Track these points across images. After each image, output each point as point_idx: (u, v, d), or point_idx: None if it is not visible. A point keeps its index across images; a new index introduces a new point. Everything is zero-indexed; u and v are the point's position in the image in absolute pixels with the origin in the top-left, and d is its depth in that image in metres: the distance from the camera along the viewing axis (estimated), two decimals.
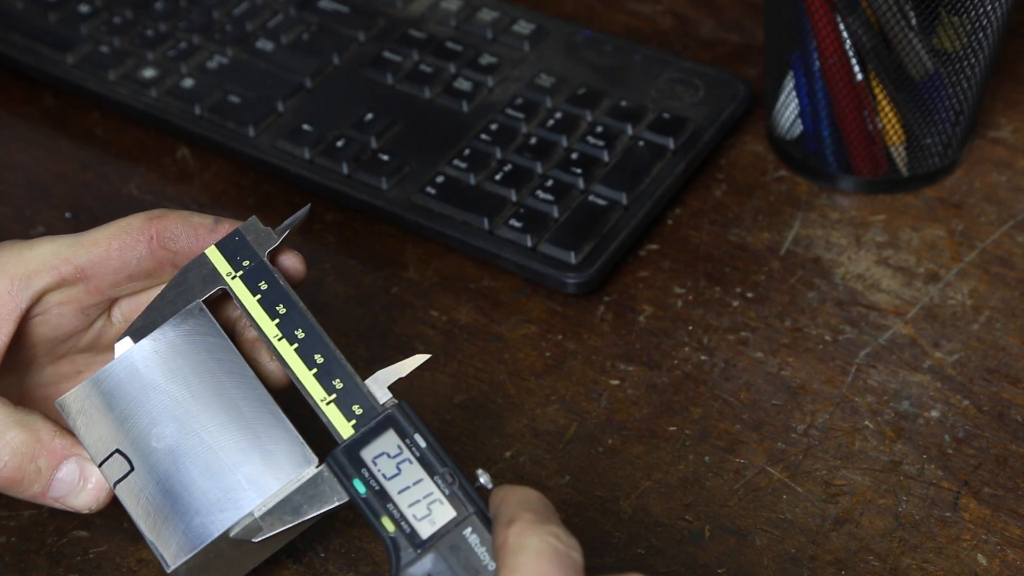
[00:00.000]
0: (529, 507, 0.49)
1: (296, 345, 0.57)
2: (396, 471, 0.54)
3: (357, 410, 0.55)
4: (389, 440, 0.54)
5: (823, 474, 0.64)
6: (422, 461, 0.54)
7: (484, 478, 0.53)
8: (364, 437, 0.54)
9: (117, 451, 0.57)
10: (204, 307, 0.59)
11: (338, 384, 0.56)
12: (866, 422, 0.65)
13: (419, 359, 0.57)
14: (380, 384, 0.56)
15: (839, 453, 0.64)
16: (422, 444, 0.54)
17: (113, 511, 0.63)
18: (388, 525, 0.53)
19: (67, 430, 0.58)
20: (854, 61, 0.71)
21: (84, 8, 0.86)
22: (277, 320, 0.57)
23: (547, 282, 0.71)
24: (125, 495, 0.56)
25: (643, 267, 0.73)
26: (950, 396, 0.66)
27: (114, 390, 0.58)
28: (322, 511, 0.55)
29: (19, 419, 0.57)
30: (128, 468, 0.57)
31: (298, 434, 0.56)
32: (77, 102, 0.84)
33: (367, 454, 0.54)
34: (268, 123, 0.79)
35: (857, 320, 0.69)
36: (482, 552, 0.51)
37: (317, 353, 0.57)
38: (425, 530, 0.52)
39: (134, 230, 0.59)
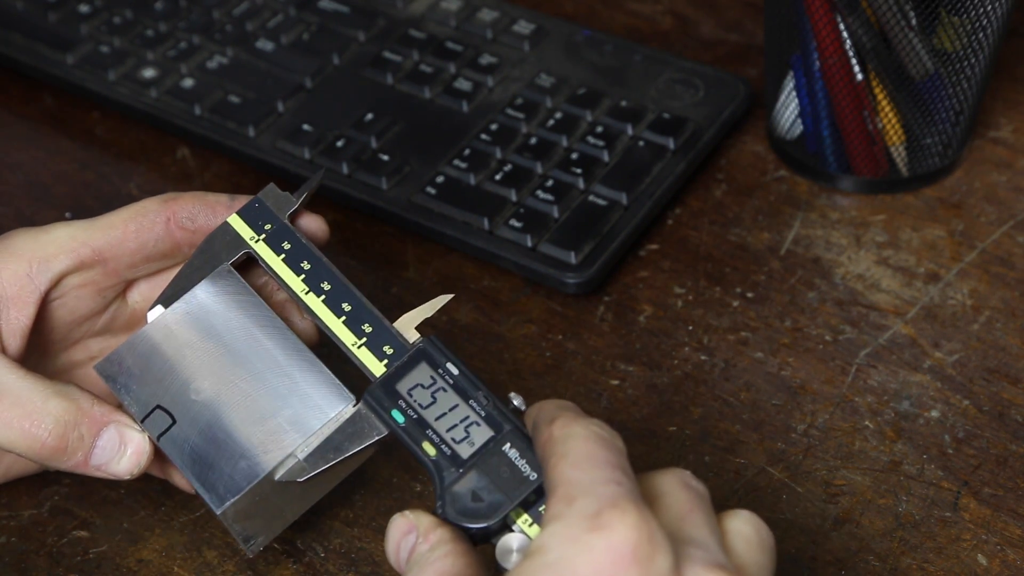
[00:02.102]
0: (567, 408, 0.51)
1: (323, 296, 0.59)
2: (432, 399, 0.55)
3: (388, 350, 0.57)
4: (422, 372, 0.56)
5: (823, 474, 0.64)
6: (456, 388, 0.55)
7: (517, 400, 0.54)
8: (398, 372, 0.56)
9: (158, 407, 0.58)
10: (232, 269, 0.60)
11: (367, 328, 0.57)
12: (866, 422, 0.65)
13: (443, 299, 0.58)
14: (407, 326, 0.57)
15: (839, 453, 0.64)
16: (454, 372, 0.55)
17: (113, 512, 0.63)
18: (429, 450, 0.54)
19: (104, 399, 0.58)
20: (854, 61, 0.71)
21: (84, 8, 0.86)
22: (303, 276, 0.59)
23: (547, 282, 0.71)
24: (169, 447, 0.57)
25: (643, 267, 0.73)
26: (950, 396, 0.66)
27: (150, 351, 0.59)
28: (363, 446, 0.56)
29: (58, 389, 0.57)
30: (170, 421, 0.58)
31: (334, 376, 0.58)
32: (77, 102, 0.84)
33: (402, 387, 0.55)
34: (268, 123, 0.79)
35: (857, 320, 0.69)
36: (522, 464, 0.52)
37: (344, 302, 0.58)
38: (465, 451, 0.53)
39: (150, 212, 0.60)
